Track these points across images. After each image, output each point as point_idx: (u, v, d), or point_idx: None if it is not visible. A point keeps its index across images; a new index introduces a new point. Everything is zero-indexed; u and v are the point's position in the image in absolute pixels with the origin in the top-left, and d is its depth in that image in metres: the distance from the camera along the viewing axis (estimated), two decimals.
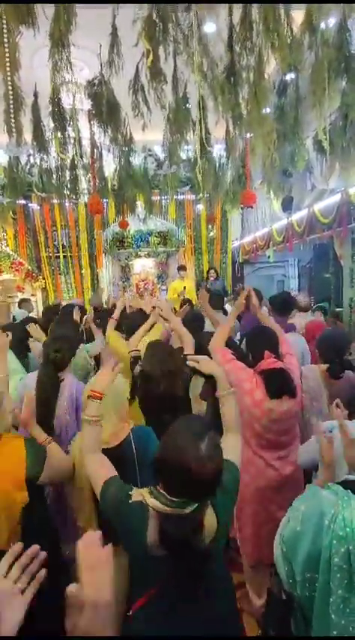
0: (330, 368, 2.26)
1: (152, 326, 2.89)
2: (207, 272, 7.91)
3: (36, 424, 1.68)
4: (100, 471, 1.29)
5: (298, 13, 2.88)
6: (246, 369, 2.06)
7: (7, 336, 2.26)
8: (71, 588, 0.73)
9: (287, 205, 5.87)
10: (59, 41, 2.79)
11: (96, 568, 0.76)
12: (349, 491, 1.01)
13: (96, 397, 1.41)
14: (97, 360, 3.17)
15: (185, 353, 2.49)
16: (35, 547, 0.88)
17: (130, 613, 1.10)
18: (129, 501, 1.14)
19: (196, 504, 1.00)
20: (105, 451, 1.50)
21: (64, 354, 2.28)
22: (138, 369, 2.31)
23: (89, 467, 1.34)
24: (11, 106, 2.72)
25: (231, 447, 1.36)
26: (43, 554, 0.89)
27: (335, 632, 0.93)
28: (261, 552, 2.10)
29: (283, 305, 3.16)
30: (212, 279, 7.43)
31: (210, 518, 1.11)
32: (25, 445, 1.50)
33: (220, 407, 1.52)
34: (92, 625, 0.70)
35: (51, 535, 1.70)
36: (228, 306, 4.68)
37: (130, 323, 3.09)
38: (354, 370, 2.32)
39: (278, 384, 1.95)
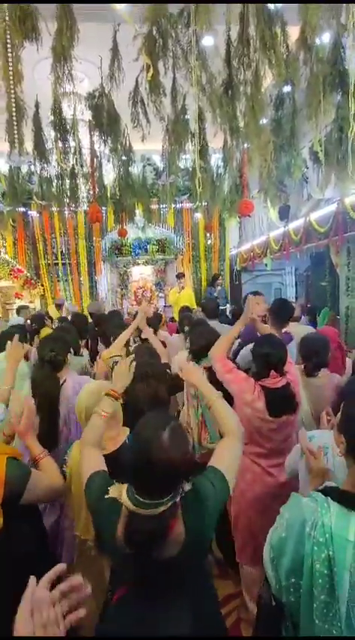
0: (306, 366, 2.34)
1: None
2: (214, 279, 8.02)
3: (34, 436, 1.63)
4: (91, 464, 1.31)
5: (293, 30, 2.98)
6: (247, 380, 2.06)
7: (22, 347, 2.20)
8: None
9: (284, 214, 5.94)
10: (61, 55, 2.86)
11: (48, 627, 0.73)
12: (328, 497, 1.02)
13: (114, 396, 1.47)
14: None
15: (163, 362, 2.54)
16: (78, 579, 0.80)
17: (112, 603, 1.12)
18: (105, 497, 1.14)
19: (162, 508, 1.01)
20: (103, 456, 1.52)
21: (58, 352, 2.27)
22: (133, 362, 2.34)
23: (83, 459, 1.36)
24: (14, 117, 2.77)
25: (220, 455, 1.29)
26: (88, 591, 0.80)
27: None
28: (259, 562, 2.11)
29: (282, 312, 3.18)
30: (218, 287, 7.55)
31: (177, 528, 1.09)
32: (6, 465, 1.41)
33: (210, 414, 1.51)
34: None
35: (44, 557, 1.60)
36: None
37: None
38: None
39: (281, 405, 1.97)
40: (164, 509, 1.02)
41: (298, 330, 3.77)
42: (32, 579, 0.77)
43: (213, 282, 8.17)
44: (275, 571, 1.06)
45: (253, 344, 2.18)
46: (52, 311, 7.49)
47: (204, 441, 2.40)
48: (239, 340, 3.48)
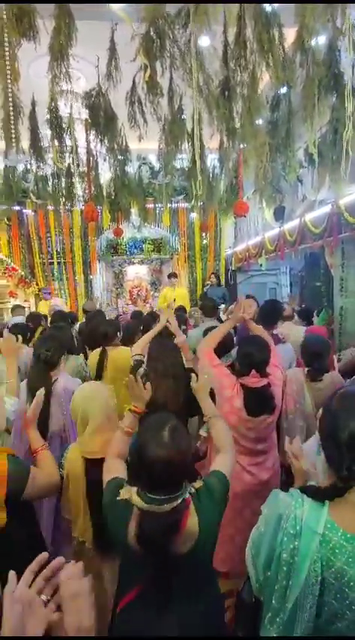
0: (310, 371, 2.36)
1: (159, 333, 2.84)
2: (209, 277, 8.00)
3: (36, 427, 1.69)
4: (111, 472, 1.35)
5: (290, 32, 3.01)
6: (229, 376, 2.11)
7: (17, 339, 2.30)
8: (53, 617, 0.77)
9: (279, 215, 5.98)
10: (59, 53, 2.86)
11: (77, 597, 0.78)
12: (304, 494, 1.07)
13: (137, 412, 1.52)
14: None
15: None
16: (60, 559, 0.86)
17: (118, 610, 1.14)
18: (117, 498, 1.17)
19: (174, 504, 1.06)
20: (98, 461, 1.53)
21: (54, 352, 2.30)
22: (142, 370, 2.33)
23: (105, 468, 1.40)
24: (11, 116, 2.77)
25: (220, 463, 1.40)
26: (62, 560, 0.87)
27: (269, 614, 1.03)
28: (233, 562, 2.09)
29: (271, 314, 3.20)
30: (211, 284, 7.54)
31: (191, 522, 1.14)
32: (7, 462, 1.43)
33: (210, 430, 1.59)
34: None
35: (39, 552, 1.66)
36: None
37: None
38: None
39: (258, 404, 2.01)
40: (175, 505, 1.06)
41: (291, 330, 3.80)
42: (12, 575, 0.81)
43: (203, 282, 8.21)
44: (255, 568, 1.10)
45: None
46: (42, 307, 7.45)
47: None
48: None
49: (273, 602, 1.02)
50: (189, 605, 1.12)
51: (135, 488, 1.13)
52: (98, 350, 3.07)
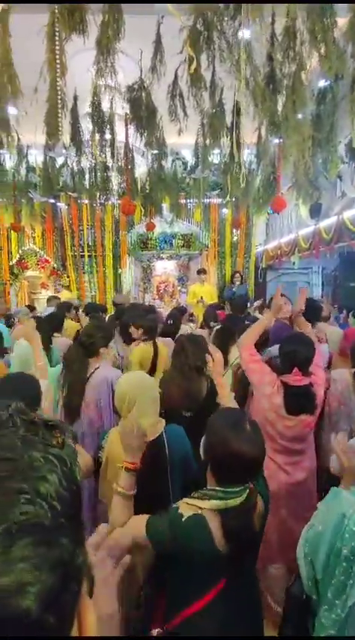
0: None
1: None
2: (232, 276, 7.92)
3: None
4: (136, 524, 1.23)
5: (341, 20, 2.89)
6: (271, 373, 2.07)
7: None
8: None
9: (316, 212, 5.82)
10: (106, 47, 2.88)
11: (105, 584, 0.77)
12: None
13: (130, 469, 1.31)
14: None
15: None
16: (103, 527, 0.85)
17: (190, 614, 1.09)
18: (183, 520, 1.09)
19: (247, 489, 1.07)
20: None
21: (95, 340, 2.35)
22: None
23: (128, 528, 1.27)
24: (58, 109, 2.82)
25: None
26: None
27: (325, 606, 1.03)
28: (268, 555, 2.07)
29: (309, 314, 3.11)
30: (237, 282, 7.46)
31: (259, 499, 1.16)
32: None
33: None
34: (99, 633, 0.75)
35: None
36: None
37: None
38: None
39: (299, 403, 1.97)
40: (250, 490, 1.09)
41: (328, 330, 3.71)
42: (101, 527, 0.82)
43: (232, 280, 8.11)
44: (311, 566, 1.08)
45: (280, 344, 2.17)
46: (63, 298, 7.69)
47: None
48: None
49: (329, 595, 1.02)
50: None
51: (191, 499, 1.13)
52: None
